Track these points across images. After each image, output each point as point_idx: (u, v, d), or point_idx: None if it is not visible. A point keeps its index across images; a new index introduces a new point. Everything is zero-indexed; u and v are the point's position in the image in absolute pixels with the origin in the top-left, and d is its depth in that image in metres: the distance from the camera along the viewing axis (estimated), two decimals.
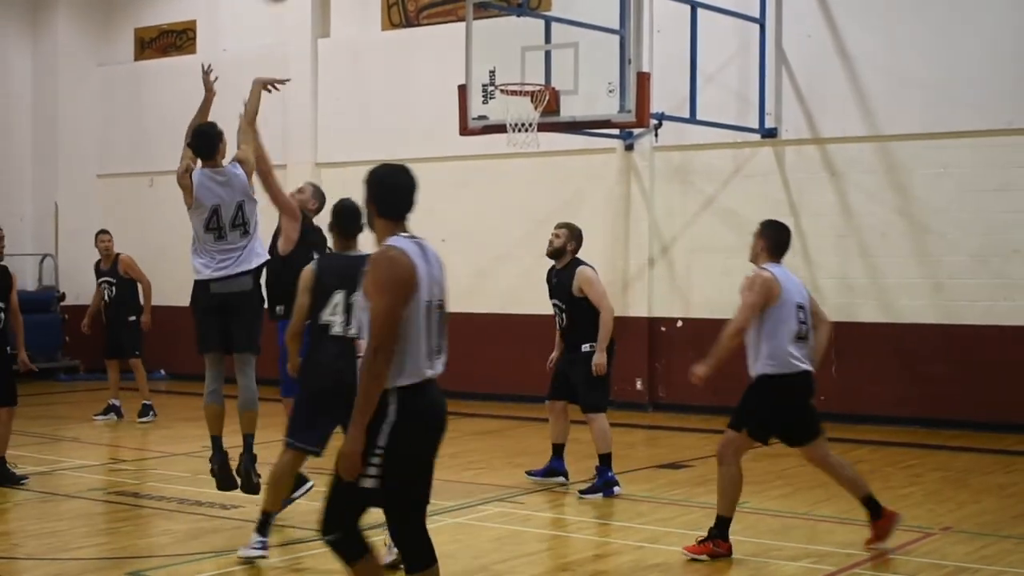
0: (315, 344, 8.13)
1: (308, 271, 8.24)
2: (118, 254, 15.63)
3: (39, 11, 22.04)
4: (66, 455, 13.16)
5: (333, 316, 8.07)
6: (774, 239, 8.67)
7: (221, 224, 9.14)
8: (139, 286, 15.58)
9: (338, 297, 8.05)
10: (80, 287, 21.41)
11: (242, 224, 9.17)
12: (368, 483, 5.50)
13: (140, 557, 8.59)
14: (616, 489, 10.62)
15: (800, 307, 8.50)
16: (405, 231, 5.68)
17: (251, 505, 10.00)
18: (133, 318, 15.55)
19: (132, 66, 21.97)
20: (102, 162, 22.16)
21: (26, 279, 21.55)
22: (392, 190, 5.73)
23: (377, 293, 5.46)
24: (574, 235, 11.22)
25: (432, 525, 9.15)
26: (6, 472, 11.13)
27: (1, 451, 11.16)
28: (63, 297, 21.34)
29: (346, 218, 8.19)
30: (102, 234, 15.86)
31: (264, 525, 8.35)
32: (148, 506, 10.20)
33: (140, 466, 12.40)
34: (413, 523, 5.75)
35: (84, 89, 22.13)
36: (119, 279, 15.52)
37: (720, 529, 8.45)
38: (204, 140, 9.29)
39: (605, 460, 10.68)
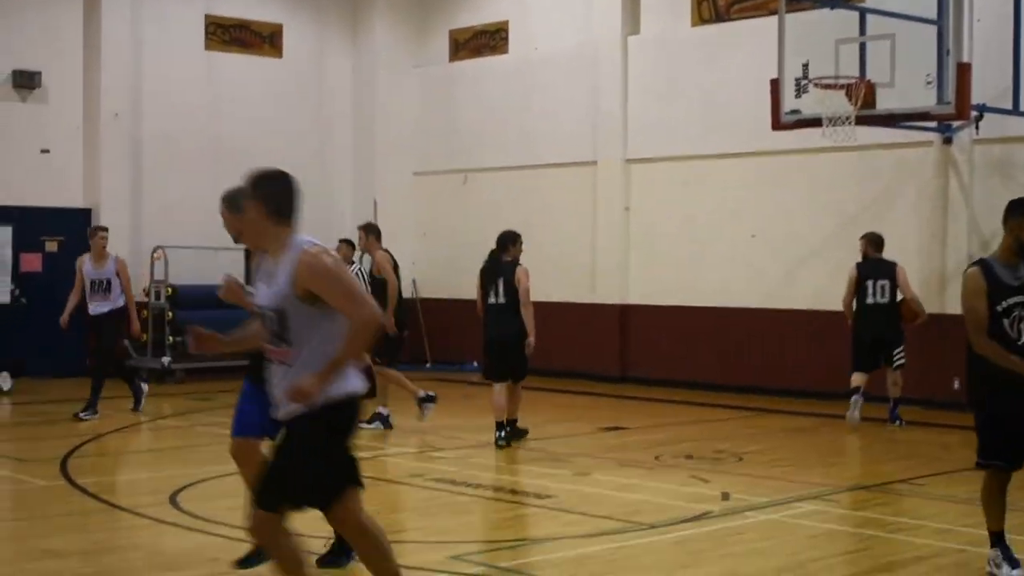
0: None
1: None
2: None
3: (359, 15, 22.96)
4: (385, 442, 13.64)
5: None
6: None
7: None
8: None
9: None
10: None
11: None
12: None
13: (460, 542, 8.84)
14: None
15: None
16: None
17: (564, 495, 10.20)
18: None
19: (447, 67, 22.60)
20: (418, 160, 22.85)
21: None
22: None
23: None
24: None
25: (743, 521, 9.16)
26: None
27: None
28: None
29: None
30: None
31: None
32: (465, 493, 10.47)
33: (457, 455, 12.74)
34: None
35: (401, 90, 22.89)
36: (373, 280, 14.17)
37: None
38: None
39: None
